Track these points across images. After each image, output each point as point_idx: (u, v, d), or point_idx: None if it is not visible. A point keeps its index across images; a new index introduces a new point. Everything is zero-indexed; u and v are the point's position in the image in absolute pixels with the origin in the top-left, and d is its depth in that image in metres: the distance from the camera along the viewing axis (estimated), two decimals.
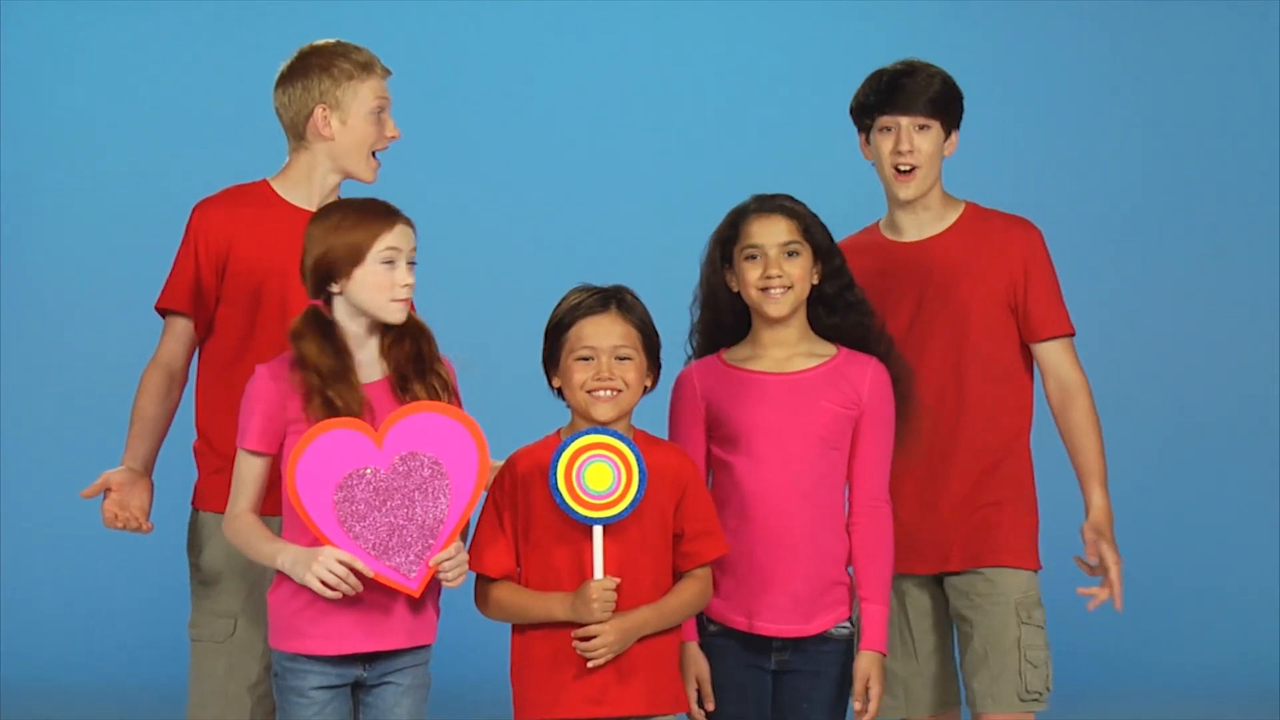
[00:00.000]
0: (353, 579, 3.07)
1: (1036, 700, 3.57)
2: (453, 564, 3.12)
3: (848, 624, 3.37)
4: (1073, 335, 3.63)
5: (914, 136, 3.56)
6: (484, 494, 3.21)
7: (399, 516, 3.10)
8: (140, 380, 3.56)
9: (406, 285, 3.19)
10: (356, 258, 3.18)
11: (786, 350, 3.39)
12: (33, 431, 6.52)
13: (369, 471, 3.10)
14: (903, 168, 3.57)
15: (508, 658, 3.26)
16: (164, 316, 3.60)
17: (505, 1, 6.80)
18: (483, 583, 3.24)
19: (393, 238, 3.19)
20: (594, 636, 3.12)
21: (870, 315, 3.43)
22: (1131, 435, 6.58)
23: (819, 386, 3.36)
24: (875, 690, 3.33)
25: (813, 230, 3.38)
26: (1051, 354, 3.61)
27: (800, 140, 6.60)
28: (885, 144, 3.58)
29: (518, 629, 3.23)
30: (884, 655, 3.35)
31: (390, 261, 3.18)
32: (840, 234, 3.50)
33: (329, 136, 3.55)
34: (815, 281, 3.39)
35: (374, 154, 3.59)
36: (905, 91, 3.56)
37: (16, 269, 6.58)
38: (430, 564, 3.10)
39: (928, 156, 3.57)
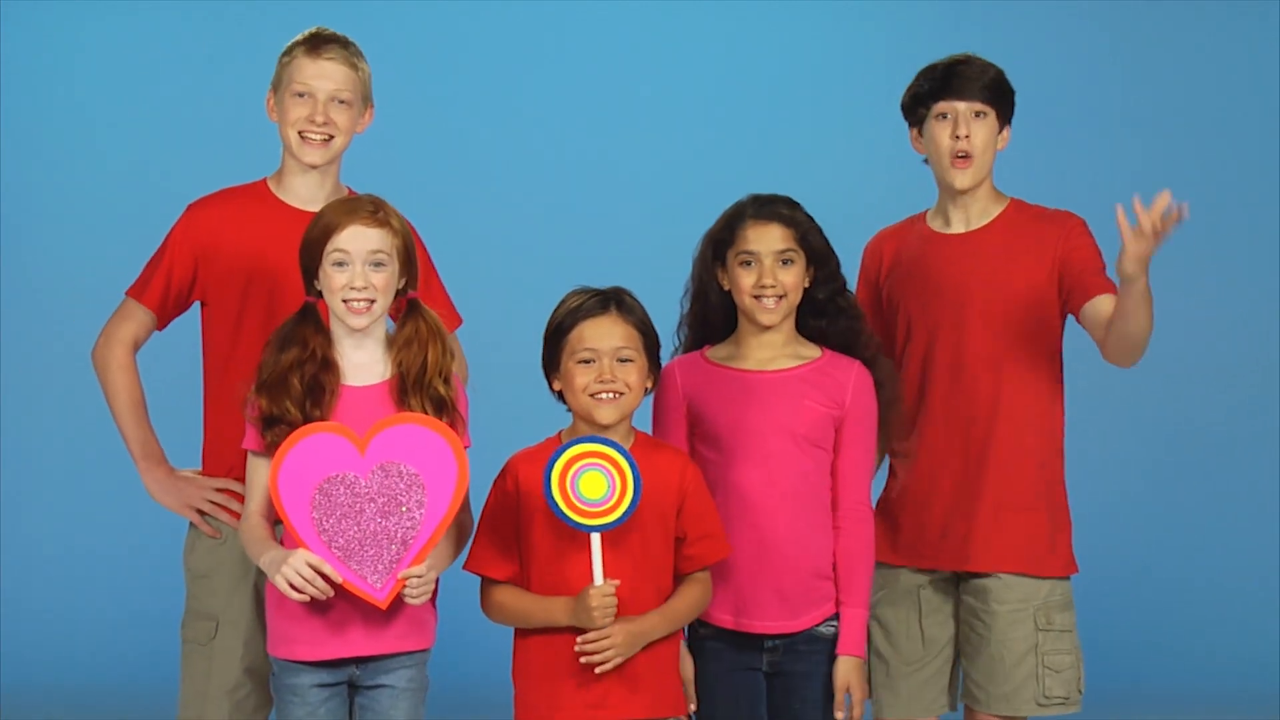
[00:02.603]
0: (320, 583, 3.05)
1: (1063, 704, 3.55)
2: (420, 582, 3.09)
3: (837, 623, 3.38)
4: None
5: (971, 123, 3.54)
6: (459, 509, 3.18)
7: (373, 526, 3.09)
8: (110, 358, 3.52)
9: (353, 289, 3.13)
10: (316, 259, 3.17)
11: (771, 351, 3.40)
12: (33, 433, 6.51)
13: (348, 477, 3.09)
14: (960, 153, 3.54)
15: (508, 660, 3.26)
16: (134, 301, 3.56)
17: (504, 2, 6.80)
18: (487, 585, 3.24)
19: (343, 239, 3.14)
20: (601, 639, 3.11)
21: (859, 319, 3.43)
22: (1132, 437, 6.61)
23: (802, 386, 3.36)
24: (857, 695, 3.35)
25: (809, 237, 3.37)
26: (1103, 305, 3.47)
27: (800, 141, 6.60)
28: (942, 131, 3.54)
29: (520, 633, 3.23)
30: (863, 660, 3.37)
31: (340, 264, 3.15)
32: (839, 234, 3.49)
33: (274, 120, 3.54)
34: (807, 285, 3.39)
35: (309, 136, 3.49)
36: (962, 78, 3.54)
37: (16, 270, 6.58)
38: (399, 577, 3.08)
39: (984, 144, 3.55)
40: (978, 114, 3.54)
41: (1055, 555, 3.57)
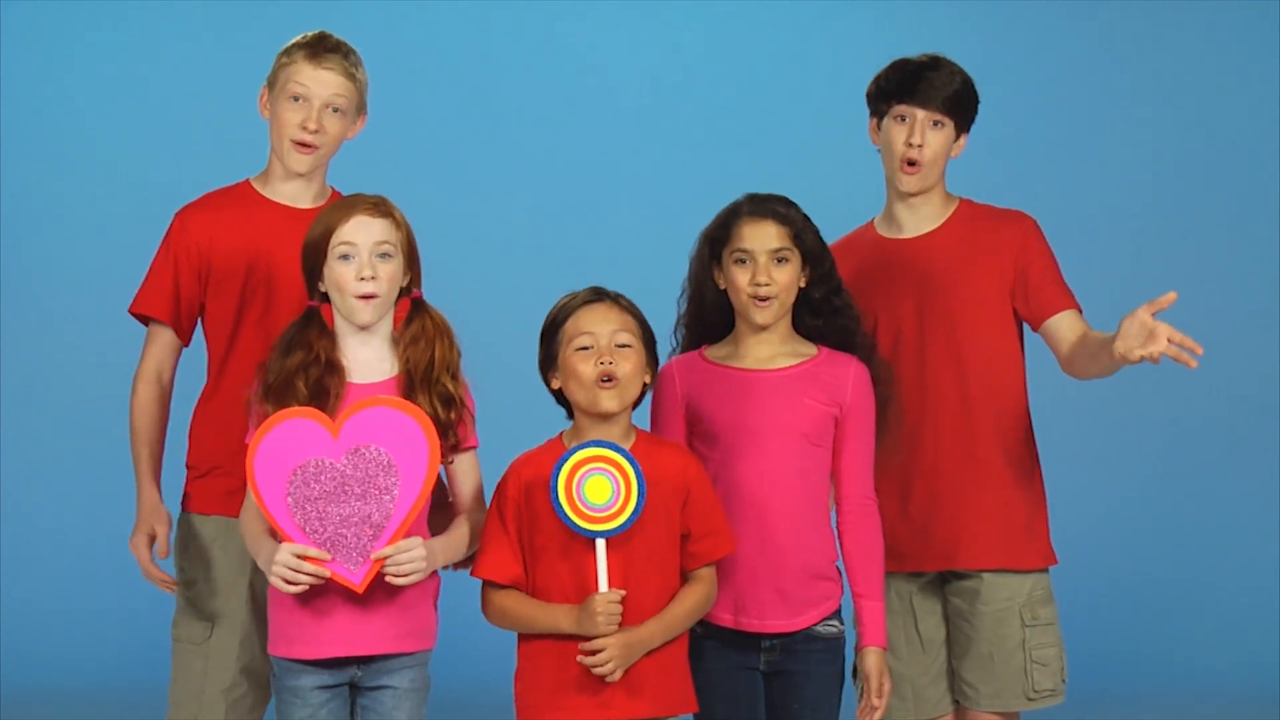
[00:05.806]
0: (310, 567, 3.03)
1: (1050, 695, 3.59)
2: (404, 558, 3.07)
3: (836, 623, 3.38)
4: (1079, 310, 3.58)
5: (927, 131, 3.55)
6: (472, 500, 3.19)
7: (348, 510, 3.07)
8: (133, 398, 3.54)
9: (362, 279, 3.12)
10: (321, 255, 3.16)
11: (769, 349, 3.40)
12: (33, 434, 6.52)
13: (322, 462, 3.08)
14: (910, 159, 3.56)
15: (508, 662, 3.25)
16: (144, 324, 3.57)
17: (500, 3, 6.80)
18: (489, 589, 3.23)
19: (347, 231, 3.14)
20: (599, 651, 3.12)
21: (856, 320, 3.44)
22: (1132, 436, 6.61)
23: (800, 384, 3.36)
24: (886, 686, 3.35)
25: (804, 235, 3.37)
26: (1063, 323, 3.54)
27: (794, 140, 6.60)
28: (898, 133, 3.57)
29: (524, 638, 3.23)
30: (885, 650, 3.37)
31: (346, 256, 3.14)
32: (831, 234, 3.50)
33: (265, 117, 3.54)
34: (803, 285, 3.40)
35: (302, 143, 3.48)
36: (927, 84, 3.55)
37: (16, 272, 6.59)
38: (373, 558, 3.07)
39: (935, 154, 3.57)
40: (935, 123, 3.57)
41: (1034, 548, 3.60)
